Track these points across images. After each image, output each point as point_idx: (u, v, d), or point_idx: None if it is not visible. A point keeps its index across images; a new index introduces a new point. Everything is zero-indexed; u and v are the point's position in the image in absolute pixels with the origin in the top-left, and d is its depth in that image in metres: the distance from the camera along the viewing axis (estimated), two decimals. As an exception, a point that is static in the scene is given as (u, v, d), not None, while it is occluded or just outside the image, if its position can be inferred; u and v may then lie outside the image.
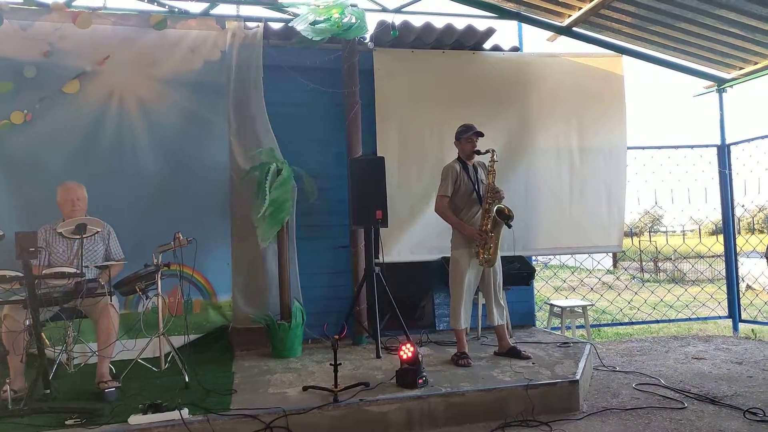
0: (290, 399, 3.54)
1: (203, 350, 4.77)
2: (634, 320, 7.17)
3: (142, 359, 4.11)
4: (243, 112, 5.16)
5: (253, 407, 3.33)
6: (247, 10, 5.36)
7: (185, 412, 3.17)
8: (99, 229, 4.00)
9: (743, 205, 6.96)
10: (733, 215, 6.91)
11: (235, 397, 3.60)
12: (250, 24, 5.28)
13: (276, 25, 5.36)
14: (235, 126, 5.15)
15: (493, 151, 4.46)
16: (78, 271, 3.67)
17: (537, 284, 6.70)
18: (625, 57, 6.27)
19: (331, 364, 3.54)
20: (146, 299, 4.17)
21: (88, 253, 4.04)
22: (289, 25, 5.05)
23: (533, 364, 4.28)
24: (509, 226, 4.37)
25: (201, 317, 5.05)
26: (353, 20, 5.04)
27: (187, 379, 3.84)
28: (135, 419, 3.11)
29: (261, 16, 5.35)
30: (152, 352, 4.22)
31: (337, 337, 3.57)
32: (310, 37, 4.86)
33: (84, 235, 3.83)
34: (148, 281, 4.02)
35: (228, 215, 5.14)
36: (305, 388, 3.69)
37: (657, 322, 7.08)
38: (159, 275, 4.06)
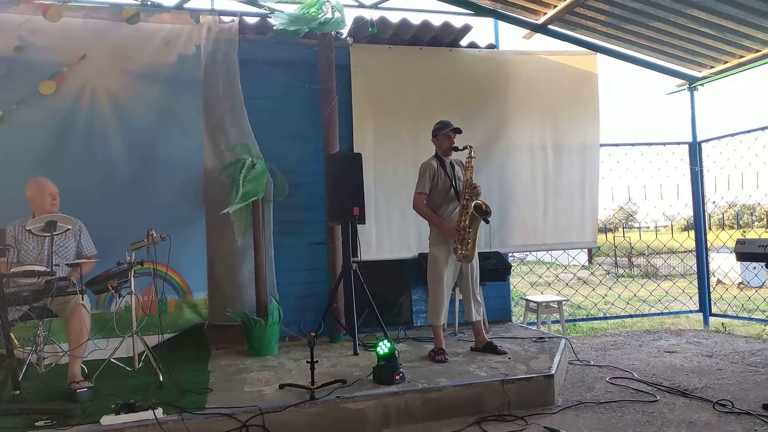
0: (267, 397, 3.52)
1: (178, 349, 4.71)
2: (608, 315, 7.28)
3: (115, 359, 4.04)
4: (218, 107, 5.10)
5: (229, 406, 3.29)
6: (221, 4, 5.34)
7: (159, 411, 3.13)
8: (70, 227, 3.91)
9: (714, 202, 7.10)
10: (704, 211, 7.05)
11: (210, 395, 3.56)
12: (225, 18, 5.21)
13: (251, 20, 5.31)
14: (211, 121, 5.09)
15: (470, 147, 4.48)
16: (48, 269, 3.58)
17: (513, 280, 6.76)
18: (599, 55, 6.35)
19: (308, 362, 3.53)
20: (119, 298, 4.10)
21: (59, 250, 3.96)
22: (268, 18, 5.00)
23: (509, 359, 4.32)
24: (487, 222, 4.40)
25: (176, 315, 4.98)
26: (331, 14, 5.02)
27: (161, 379, 3.78)
28: (107, 420, 3.06)
29: (236, 10, 5.30)
30: (126, 351, 4.15)
31: (313, 334, 3.55)
32: (285, 28, 4.80)
33: (54, 233, 3.74)
34: (121, 279, 3.96)
35: (203, 211, 5.08)
36: (282, 386, 3.67)
37: (630, 316, 7.19)
38: (132, 273, 3.99)
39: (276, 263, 5.17)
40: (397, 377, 3.68)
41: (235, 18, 5.20)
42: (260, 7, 5.27)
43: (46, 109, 4.73)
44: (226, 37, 5.13)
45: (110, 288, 3.91)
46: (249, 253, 5.04)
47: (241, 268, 5.11)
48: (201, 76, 5.07)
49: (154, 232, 4.01)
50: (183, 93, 5.05)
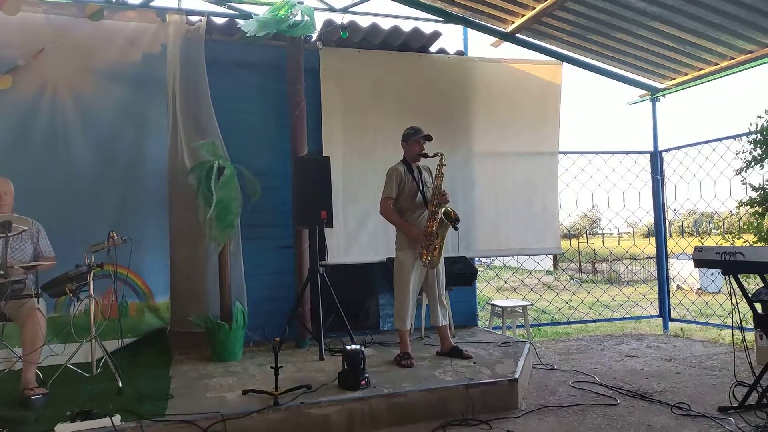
0: (229, 403, 3.46)
1: (139, 354, 4.60)
2: (572, 320, 7.39)
3: (72, 364, 3.93)
4: (184, 107, 5.02)
5: (190, 412, 3.23)
6: (189, 4, 5.26)
7: (117, 419, 3.05)
8: (25, 228, 3.79)
9: (675, 210, 7.29)
10: (664, 219, 7.23)
11: (171, 402, 3.49)
12: (192, 18, 5.14)
13: (219, 20, 5.25)
14: (176, 122, 5.01)
15: (442, 155, 4.49)
16: (1, 272, 3.46)
17: (479, 285, 6.82)
18: (565, 64, 6.46)
19: (272, 367, 3.48)
20: (77, 301, 3.98)
21: (14, 252, 3.81)
22: (236, 20, 4.95)
23: (474, 363, 4.34)
24: (456, 229, 4.43)
25: (137, 320, 4.86)
26: (301, 17, 4.99)
27: (120, 385, 3.68)
28: (62, 428, 2.96)
29: (203, 10, 5.23)
30: (84, 356, 4.05)
31: (278, 339, 3.51)
32: (254, 32, 4.75)
33: (8, 234, 3.62)
34: (79, 282, 3.85)
35: (166, 214, 4.98)
36: (245, 392, 3.61)
37: (593, 321, 7.33)
38: (91, 276, 3.88)
39: (242, 266, 5.10)
40: (363, 382, 3.67)
41: (202, 18, 5.12)
42: (228, 6, 5.21)
43: (3, 104, 4.59)
44: (193, 37, 5.06)
45: (68, 291, 3.80)
46: (214, 256, 4.95)
47: (206, 271, 5.03)
48: (167, 76, 4.99)
49: (115, 234, 3.92)
50: (148, 93, 4.97)
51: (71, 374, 3.90)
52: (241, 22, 4.93)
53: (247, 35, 4.77)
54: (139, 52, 4.95)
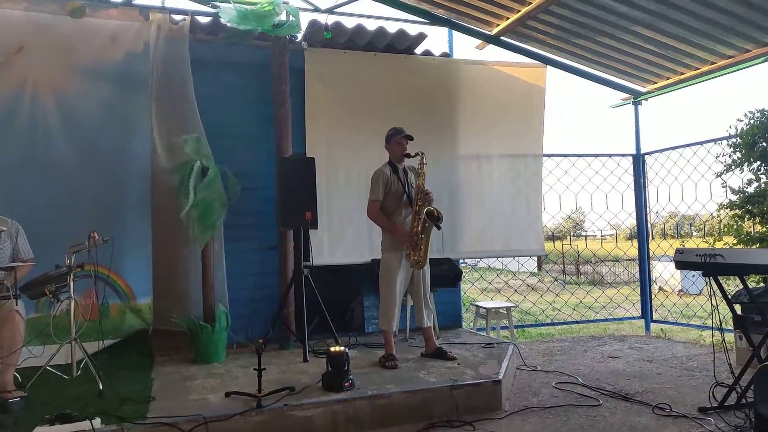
0: (212, 405, 3.43)
1: (120, 356, 4.55)
2: (555, 321, 7.44)
3: (51, 366, 3.86)
4: (168, 107, 4.97)
5: (171, 415, 3.20)
6: (172, 2, 5.20)
7: (97, 422, 3.00)
8: (4, 228, 3.73)
9: (657, 212, 7.38)
10: (646, 221, 7.32)
11: (153, 404, 3.45)
12: (176, 17, 5.09)
13: (203, 19, 5.21)
14: (159, 121, 4.95)
15: (422, 153, 4.51)
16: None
17: (464, 286, 6.83)
18: (549, 67, 6.51)
19: (255, 369, 3.46)
20: (57, 303, 3.92)
21: (-8, 253, 3.76)
22: (218, 15, 4.89)
23: (458, 364, 4.35)
24: (438, 228, 4.44)
25: (118, 321, 4.81)
26: (286, 18, 4.97)
27: (101, 387, 3.63)
28: (40, 431, 2.91)
29: (187, 8, 5.18)
30: (64, 358, 3.97)
31: (261, 341, 3.49)
32: (236, 26, 4.69)
33: (-13, 234, 3.56)
34: (59, 283, 3.79)
35: (149, 213, 4.93)
36: (228, 394, 3.58)
37: (576, 322, 7.38)
38: (71, 277, 3.82)
39: (225, 268, 5.06)
40: (347, 384, 3.65)
41: (186, 17, 5.08)
42: (213, 6, 5.16)
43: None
44: (177, 36, 5.01)
45: (47, 293, 3.74)
46: (196, 256, 4.91)
47: (188, 272, 4.98)
48: (150, 75, 4.93)
49: (96, 234, 3.85)
50: (130, 92, 4.92)
51: (51, 376, 3.84)
52: (221, 5, 4.84)
53: (228, 24, 4.72)
54: (121, 50, 4.90)
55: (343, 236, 5.57)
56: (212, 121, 5.06)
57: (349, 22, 5.57)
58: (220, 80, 5.19)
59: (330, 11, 5.62)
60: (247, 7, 4.74)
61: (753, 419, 3.26)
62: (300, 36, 5.47)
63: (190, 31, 5.06)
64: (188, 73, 4.97)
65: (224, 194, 4.84)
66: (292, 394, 3.56)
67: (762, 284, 5.21)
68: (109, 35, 4.87)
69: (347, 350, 3.78)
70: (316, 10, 5.69)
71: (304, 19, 5.37)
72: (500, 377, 3.95)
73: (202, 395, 3.66)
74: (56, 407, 3.17)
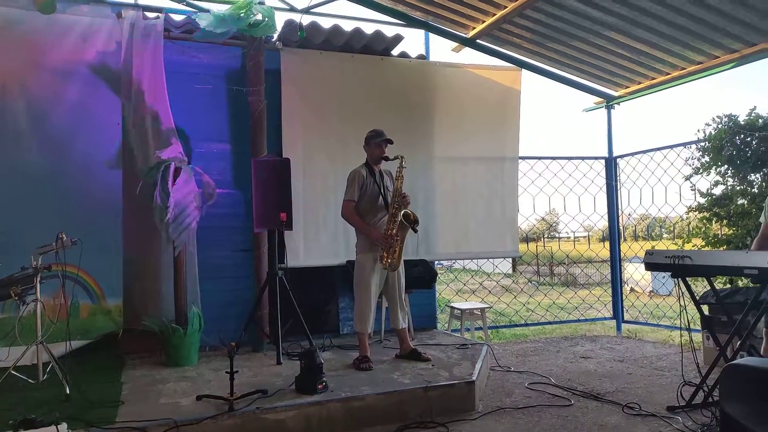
0: (183, 409, 3.38)
1: (89, 359, 4.46)
2: (529, 322, 7.51)
3: (16, 370, 3.76)
4: (140, 106, 4.88)
5: (141, 419, 3.14)
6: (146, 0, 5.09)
7: (63, 427, 2.92)
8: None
9: (629, 214, 7.49)
10: (618, 223, 7.43)
11: (122, 408, 3.39)
12: (149, 14, 5.01)
13: (178, 17, 5.13)
14: (131, 121, 4.86)
15: (401, 157, 4.51)
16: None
17: (439, 287, 6.87)
18: (524, 70, 6.57)
19: (227, 372, 3.42)
20: (23, 305, 3.82)
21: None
22: (192, 17, 4.85)
23: (433, 366, 4.36)
24: (415, 231, 4.45)
25: (88, 322, 4.70)
26: (261, 18, 4.94)
27: (68, 391, 3.55)
28: (4, 437, 2.84)
29: (161, 6, 5.11)
30: (30, 361, 3.88)
31: (233, 343, 3.44)
32: (211, 27, 4.66)
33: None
34: (25, 285, 3.70)
35: (120, 214, 4.84)
36: (199, 398, 3.54)
37: (550, 323, 7.46)
38: (38, 279, 3.74)
39: (199, 270, 5.00)
40: (320, 386, 3.63)
41: (160, 15, 5.00)
42: (188, 4, 5.11)
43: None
44: (151, 34, 4.92)
45: (12, 295, 3.65)
46: (169, 258, 4.84)
47: (160, 273, 4.91)
48: (122, 74, 4.85)
49: (64, 235, 3.77)
50: (102, 90, 4.83)
51: (16, 380, 3.74)
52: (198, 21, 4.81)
53: (204, 29, 4.67)
54: (93, 48, 4.80)
55: (319, 238, 5.55)
56: (186, 121, 5.00)
57: (326, 23, 5.56)
58: (195, 79, 5.13)
59: (306, 11, 5.60)
60: (224, 10, 4.70)
61: (719, 417, 3.32)
62: (276, 36, 5.43)
63: (164, 30, 4.98)
64: (161, 72, 4.88)
65: (199, 196, 4.78)
66: (265, 397, 3.53)
67: (728, 285, 5.34)
68: (81, 32, 4.77)
69: (321, 352, 3.75)
70: (292, 9, 5.66)
71: (281, 18, 5.36)
72: (474, 378, 3.97)
73: (173, 399, 3.61)
74: (21, 412, 3.09)
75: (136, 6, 5.00)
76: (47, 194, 4.59)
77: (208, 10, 4.92)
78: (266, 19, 4.96)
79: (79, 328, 4.51)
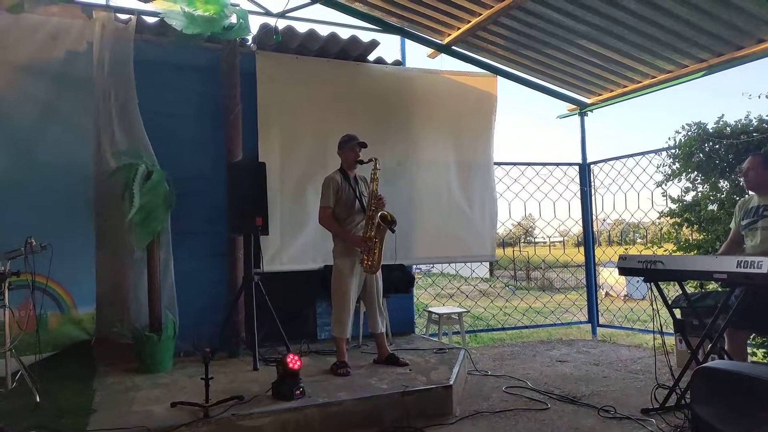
0: (156, 417, 3.32)
1: (60, 367, 4.34)
2: (506, 326, 7.55)
3: (-16, 379, 3.66)
4: (111, 108, 4.81)
5: (113, 427, 3.08)
6: (118, 0, 5.03)
7: (32, 436, 2.86)
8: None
9: (603, 220, 7.59)
10: (592, 228, 7.53)
11: (93, 417, 3.31)
12: (121, 16, 4.94)
13: (150, 19, 5.07)
14: (102, 122, 4.78)
15: (375, 159, 4.52)
16: None
17: (417, 292, 6.86)
18: (499, 77, 6.63)
19: (202, 378, 3.37)
20: (-10, 312, 3.71)
21: None
22: (161, 15, 4.78)
23: (410, 370, 4.36)
24: (393, 231, 4.45)
25: (57, 333, 4.57)
26: (236, 20, 4.90)
27: (37, 400, 3.46)
28: (-31, 448, 2.75)
29: (133, 8, 5.04)
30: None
31: (208, 349, 3.39)
32: (181, 27, 4.60)
33: None
34: (-8, 291, 3.59)
35: (91, 218, 4.74)
36: (173, 405, 3.47)
37: (526, 327, 7.52)
38: (6, 285, 3.64)
39: (174, 275, 4.92)
40: (297, 392, 3.60)
41: (132, 16, 4.94)
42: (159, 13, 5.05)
43: None
44: (123, 36, 4.87)
45: (-22, 301, 3.54)
46: (142, 263, 4.75)
47: (134, 279, 4.81)
48: (94, 76, 4.77)
49: (33, 240, 3.68)
50: (72, 91, 4.73)
51: (-18, 390, 3.64)
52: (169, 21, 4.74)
53: (180, 29, 4.62)
54: (62, 48, 4.72)
55: (295, 242, 5.51)
56: (159, 125, 4.93)
57: (302, 27, 5.55)
58: (168, 82, 5.07)
59: (281, 15, 5.58)
60: (195, 12, 4.65)
61: (691, 419, 3.38)
62: (250, 39, 5.40)
63: (137, 31, 4.93)
64: (131, 75, 4.82)
65: (168, 199, 4.72)
66: (241, 403, 3.48)
67: (699, 289, 5.44)
68: (50, 32, 4.68)
69: (299, 357, 3.72)
70: (267, 13, 5.64)
71: (256, 22, 5.33)
72: (451, 383, 3.98)
73: (146, 406, 3.54)
74: (-13, 422, 3.01)
75: (107, 7, 4.92)
76: (13, 197, 4.46)
77: (179, 11, 4.84)
78: (240, 21, 4.93)
79: (48, 338, 4.39)
